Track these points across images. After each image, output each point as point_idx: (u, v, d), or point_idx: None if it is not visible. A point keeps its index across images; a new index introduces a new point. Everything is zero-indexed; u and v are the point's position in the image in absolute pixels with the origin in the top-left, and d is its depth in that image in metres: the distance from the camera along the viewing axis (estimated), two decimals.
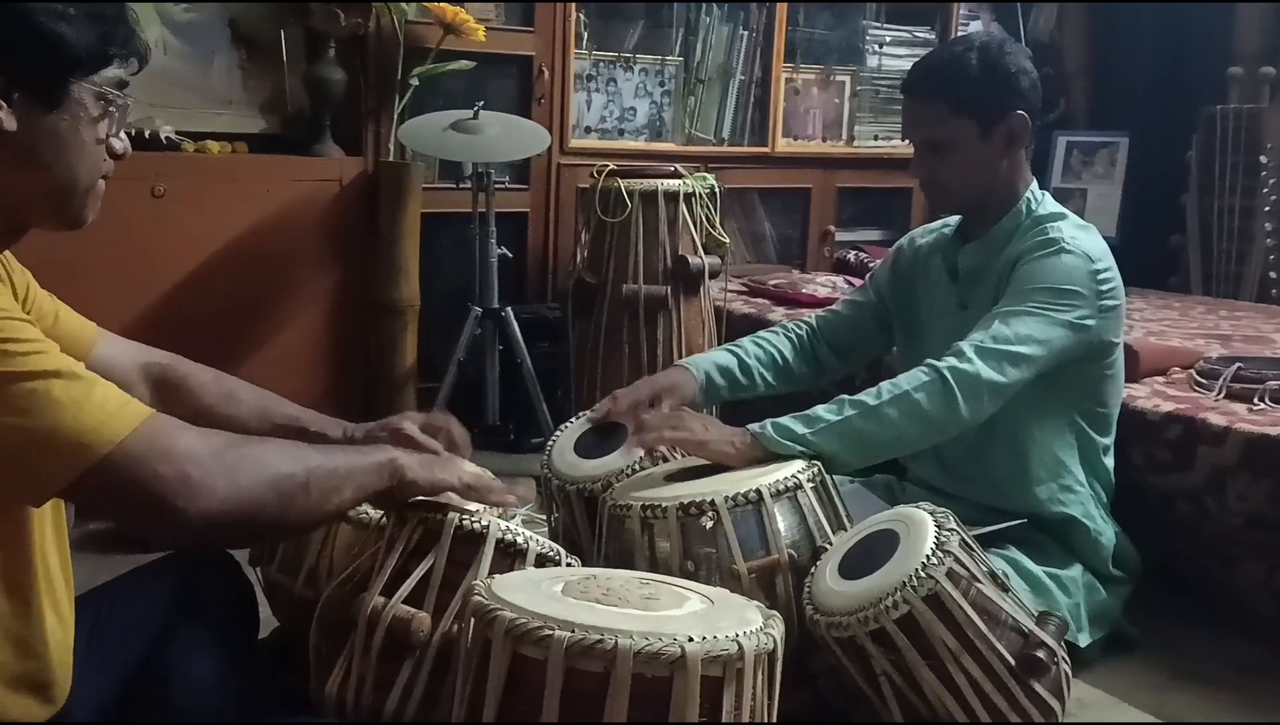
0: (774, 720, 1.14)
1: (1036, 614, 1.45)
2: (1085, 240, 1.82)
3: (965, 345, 1.71)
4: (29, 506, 1.07)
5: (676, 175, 2.81)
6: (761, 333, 2.09)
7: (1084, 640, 1.85)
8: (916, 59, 2.04)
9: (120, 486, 1.00)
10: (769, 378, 2.01)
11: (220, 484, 1.03)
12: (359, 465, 1.20)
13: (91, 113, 1.09)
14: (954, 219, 2.02)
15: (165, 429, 1.03)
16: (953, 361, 1.69)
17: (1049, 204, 1.91)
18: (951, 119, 1.83)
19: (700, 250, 2.79)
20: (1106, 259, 1.83)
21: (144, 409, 1.03)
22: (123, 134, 1.15)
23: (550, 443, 1.84)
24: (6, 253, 1.17)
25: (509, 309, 2.98)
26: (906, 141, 1.97)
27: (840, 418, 1.64)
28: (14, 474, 0.99)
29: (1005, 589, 1.42)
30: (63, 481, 0.99)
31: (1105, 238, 1.91)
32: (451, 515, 1.29)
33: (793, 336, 2.08)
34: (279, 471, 1.09)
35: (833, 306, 2.20)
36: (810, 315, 2.18)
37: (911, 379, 1.68)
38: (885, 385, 1.69)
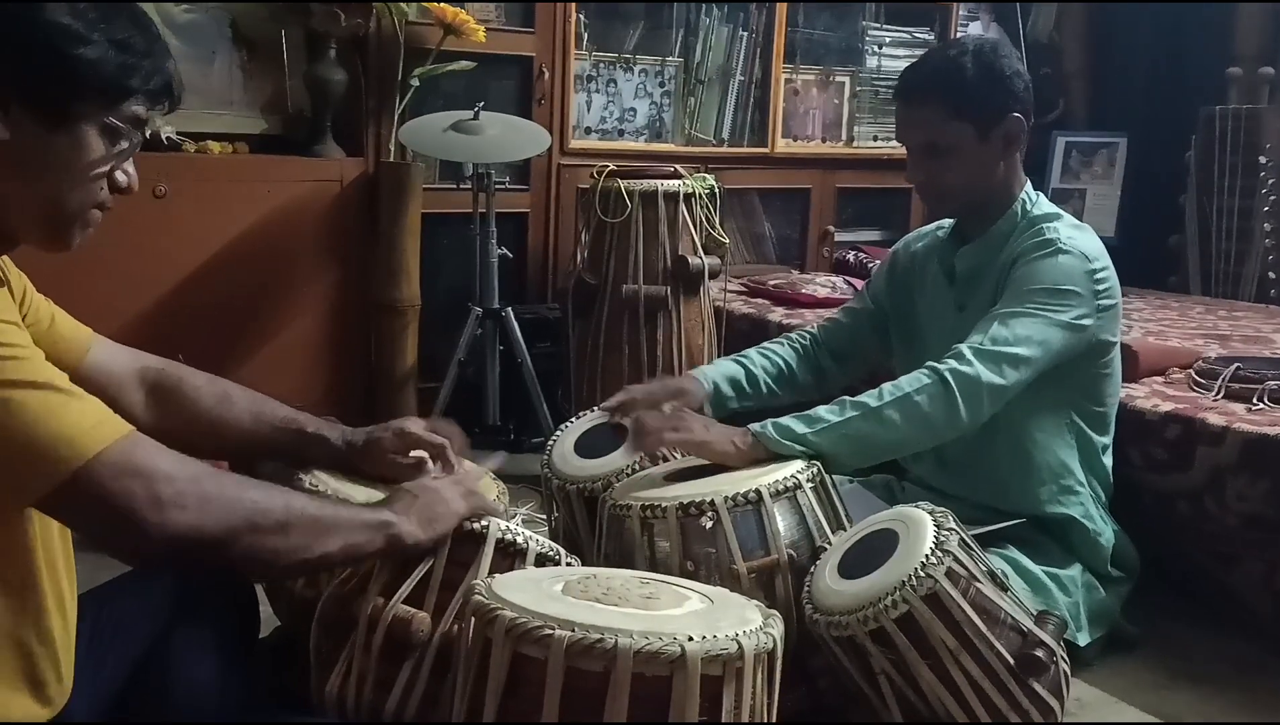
0: (773, 719, 1.15)
1: (1035, 613, 1.45)
2: (1081, 240, 1.82)
3: (965, 348, 1.72)
4: (11, 514, 1.05)
5: (676, 176, 2.81)
6: (767, 344, 2.10)
7: (1083, 639, 1.85)
8: (915, 60, 2.04)
9: (93, 500, 0.98)
10: (775, 388, 2.02)
11: (192, 506, 1.01)
12: (347, 519, 1.17)
13: (95, 145, 1.05)
14: (948, 221, 2.02)
15: (142, 446, 1.02)
16: (953, 364, 1.69)
17: (1044, 205, 1.92)
18: (950, 122, 1.84)
19: (700, 250, 2.79)
20: (1103, 258, 1.83)
21: (123, 426, 1.02)
22: (131, 168, 1.11)
23: (550, 443, 1.84)
24: (6, 258, 1.15)
25: (509, 309, 2.98)
26: (900, 144, 1.97)
27: (841, 418, 1.65)
28: None
29: (1004, 588, 1.43)
30: (38, 492, 0.97)
31: (1104, 238, 1.91)
32: None
33: (797, 346, 2.09)
34: (256, 506, 1.07)
35: (832, 315, 2.21)
36: (812, 325, 2.19)
37: (913, 381, 1.69)
38: (887, 387, 1.69)
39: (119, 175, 1.10)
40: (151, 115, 1.10)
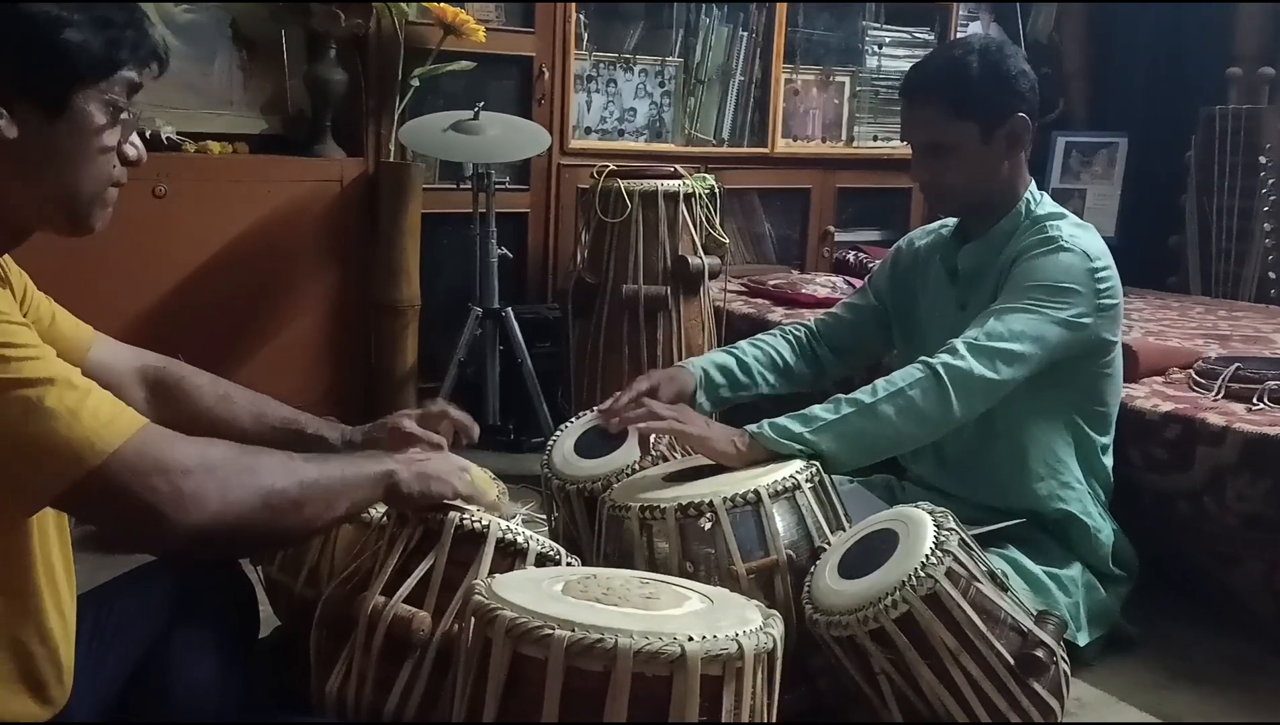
0: (773, 720, 1.15)
1: (1036, 613, 1.45)
2: (1084, 239, 1.82)
3: (959, 342, 1.72)
4: (22, 515, 1.05)
5: (676, 176, 2.82)
6: (759, 335, 2.10)
7: (1083, 639, 1.85)
8: (916, 60, 2.04)
9: (111, 497, 0.99)
10: (769, 378, 2.01)
11: (211, 497, 1.02)
12: (353, 478, 1.19)
13: (98, 121, 1.07)
14: (952, 220, 2.02)
15: (158, 440, 1.02)
16: (946, 358, 1.69)
17: (1048, 204, 1.92)
18: (953, 122, 1.83)
19: (700, 250, 2.80)
20: (1105, 258, 1.83)
21: (138, 418, 1.03)
22: (137, 140, 1.12)
23: (550, 443, 1.84)
24: (6, 256, 1.16)
25: (509, 309, 2.99)
26: (905, 143, 1.97)
27: (837, 416, 1.65)
28: (6, 482, 0.98)
29: (1004, 588, 1.43)
30: (55, 491, 0.98)
31: (1104, 238, 1.91)
32: (452, 515, 1.30)
33: (790, 338, 2.09)
34: (271, 486, 1.08)
35: (833, 309, 2.21)
36: (810, 317, 2.19)
37: (906, 376, 1.69)
38: (880, 383, 1.69)
39: (127, 148, 1.11)
40: (144, 78, 1.11)
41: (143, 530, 1.02)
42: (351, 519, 1.30)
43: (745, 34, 3.80)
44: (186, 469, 1.02)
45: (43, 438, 0.96)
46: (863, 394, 1.67)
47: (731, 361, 1.98)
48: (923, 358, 1.71)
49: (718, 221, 2.86)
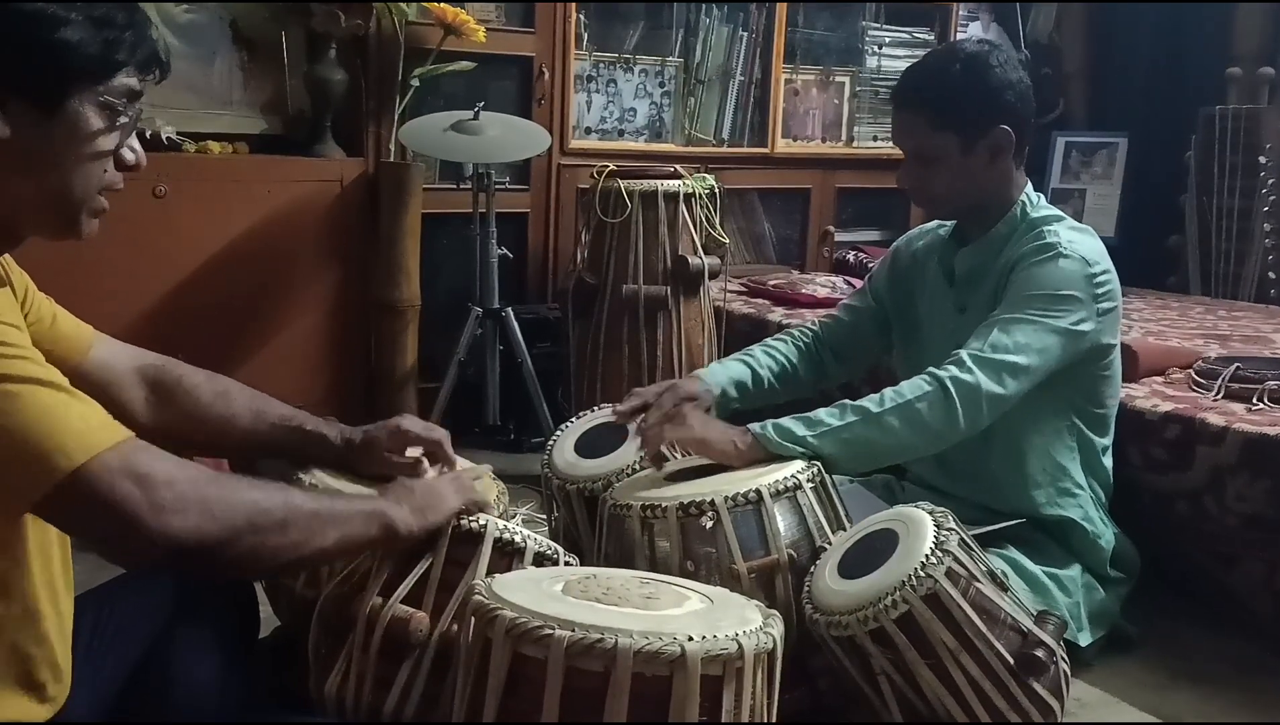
0: (773, 720, 1.15)
1: (1035, 613, 1.45)
2: (1082, 243, 1.82)
3: (965, 354, 1.72)
4: (2, 517, 1.04)
5: (676, 176, 2.82)
6: (770, 341, 2.10)
7: (1083, 640, 1.85)
8: (915, 60, 2.03)
9: (91, 502, 0.98)
10: (778, 387, 2.02)
11: (192, 510, 1.01)
12: (344, 512, 1.18)
13: (93, 124, 1.05)
14: (949, 221, 2.02)
15: (143, 450, 1.01)
16: (954, 372, 1.69)
17: (1044, 206, 1.91)
18: (933, 132, 1.82)
19: (700, 250, 2.80)
20: (1103, 261, 1.83)
21: (123, 430, 1.02)
22: (136, 144, 1.11)
23: (550, 443, 1.84)
24: (7, 257, 1.15)
25: (509, 309, 2.99)
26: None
27: (842, 423, 1.65)
28: None
29: (1004, 588, 1.43)
30: (37, 492, 0.97)
31: (1104, 238, 1.91)
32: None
33: (800, 344, 2.09)
34: (256, 506, 1.07)
35: (833, 312, 2.21)
36: (814, 321, 2.19)
37: (914, 388, 1.69)
38: (888, 392, 1.69)
39: (125, 153, 1.10)
40: (145, 85, 1.10)
41: (119, 539, 1.00)
42: (348, 557, 1.27)
43: (745, 34, 3.80)
44: (169, 480, 1.00)
45: (26, 436, 0.95)
46: (869, 403, 1.67)
47: (747, 376, 1.98)
48: (930, 370, 1.71)
49: (718, 221, 2.86)
